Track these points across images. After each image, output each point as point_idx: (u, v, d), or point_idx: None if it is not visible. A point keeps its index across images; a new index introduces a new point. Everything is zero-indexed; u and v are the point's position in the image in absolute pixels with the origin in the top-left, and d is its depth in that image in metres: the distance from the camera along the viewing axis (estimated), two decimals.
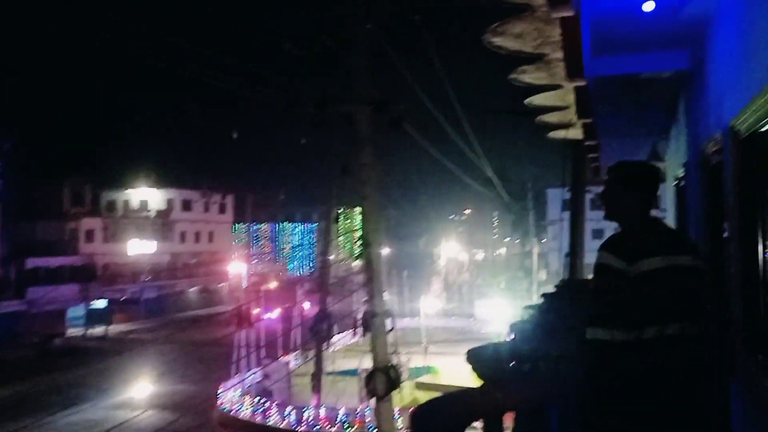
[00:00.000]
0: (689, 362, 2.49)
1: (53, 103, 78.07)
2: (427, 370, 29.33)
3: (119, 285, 50.53)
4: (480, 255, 73.57)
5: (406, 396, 26.38)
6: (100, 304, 49.15)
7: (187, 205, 59.82)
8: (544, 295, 5.01)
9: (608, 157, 9.37)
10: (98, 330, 45.82)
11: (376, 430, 11.36)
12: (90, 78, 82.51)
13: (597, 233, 50.52)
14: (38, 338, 40.09)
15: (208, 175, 62.57)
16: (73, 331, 45.27)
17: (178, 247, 57.94)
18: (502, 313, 32.37)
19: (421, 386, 28.20)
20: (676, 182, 6.92)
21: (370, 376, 10.83)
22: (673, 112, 6.93)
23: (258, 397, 24.40)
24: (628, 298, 2.48)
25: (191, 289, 58.22)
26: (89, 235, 50.28)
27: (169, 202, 58.39)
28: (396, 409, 22.67)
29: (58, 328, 43.54)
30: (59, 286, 44.66)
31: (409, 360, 28.85)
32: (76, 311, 47.01)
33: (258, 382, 25.80)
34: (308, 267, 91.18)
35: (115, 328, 47.23)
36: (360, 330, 32.59)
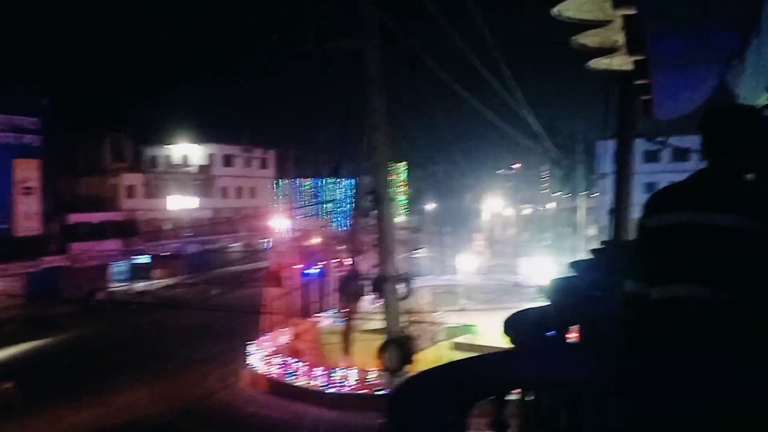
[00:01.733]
0: (692, 329, 2.23)
1: (94, 58, 78.08)
2: (466, 329, 28.09)
3: (161, 241, 50.64)
4: (527, 210, 71.40)
5: (444, 357, 25.30)
6: (142, 259, 49.50)
7: (228, 161, 59.35)
8: (593, 251, 5.15)
9: (663, 94, 7.71)
10: (140, 285, 46.17)
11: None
12: (131, 32, 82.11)
13: (649, 187, 47.99)
14: (82, 293, 40.45)
15: (250, 130, 61.91)
16: (115, 287, 45.67)
17: (220, 203, 57.70)
18: (547, 270, 30.75)
19: (459, 346, 27.02)
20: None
21: (383, 348, 9.57)
22: (753, 24, 5.34)
23: (288, 357, 23.71)
24: (635, 251, 2.46)
25: (233, 245, 58.13)
26: (130, 191, 50.33)
27: (211, 157, 57.98)
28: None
29: (101, 283, 43.90)
30: (101, 241, 45.00)
31: (445, 319, 27.71)
32: (119, 267, 47.44)
33: (289, 342, 25.09)
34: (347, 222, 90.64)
35: (157, 284, 47.53)
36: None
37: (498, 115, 16.56)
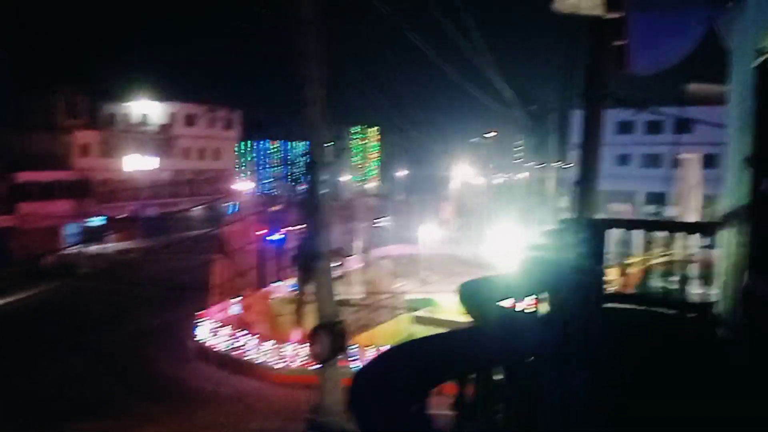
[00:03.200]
0: None
1: (49, 8, 74.39)
2: (426, 302, 27.01)
3: (117, 202, 48.59)
4: (499, 180, 70.48)
5: (402, 331, 24.24)
6: (97, 221, 47.42)
7: (190, 120, 57.06)
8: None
9: (640, 42, 6.38)
10: (94, 248, 44.18)
11: (318, 401, 8.85)
12: None
13: (622, 159, 47.23)
14: (30, 256, 38.50)
15: (216, 89, 59.68)
16: (67, 249, 43.67)
17: (181, 164, 55.58)
18: (514, 241, 29.69)
19: (419, 320, 25.98)
20: (759, 60, 4.13)
21: (312, 335, 8.27)
22: None
23: (237, 329, 22.40)
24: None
25: (195, 208, 56.23)
26: (84, 149, 47.92)
27: (172, 116, 55.65)
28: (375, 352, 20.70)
29: (52, 245, 41.89)
30: (53, 201, 42.89)
31: (406, 291, 26.60)
32: (71, 229, 45.35)
33: (239, 313, 23.75)
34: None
35: (112, 247, 45.62)
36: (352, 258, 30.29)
37: (471, 82, 16.00)
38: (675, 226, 7.05)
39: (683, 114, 23.36)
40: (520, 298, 3.48)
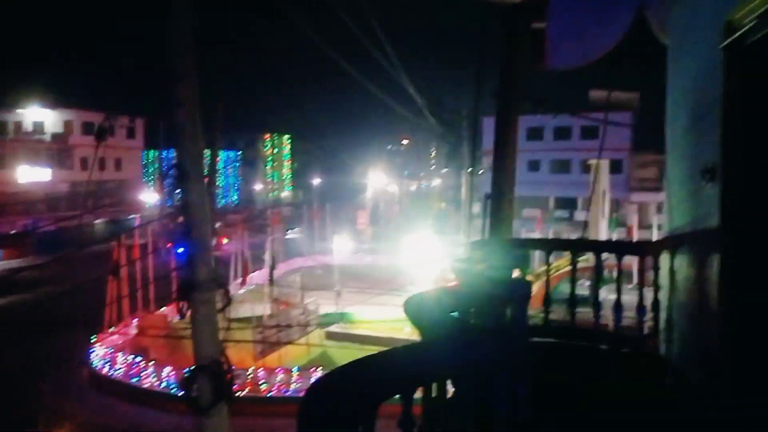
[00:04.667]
0: None
1: None
2: (341, 317, 25.99)
3: (8, 217, 44.96)
4: (413, 187, 70.37)
5: (315, 349, 23.08)
6: None
7: (88, 129, 53.68)
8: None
9: (562, 32, 5.59)
10: None
11: None
12: None
13: (532, 165, 47.84)
14: None
15: (116, 95, 56.59)
16: None
17: (79, 175, 52.12)
18: (429, 251, 29.09)
19: (332, 336, 24.95)
20: (730, 39, 3.35)
21: (189, 379, 6.97)
22: None
23: (132, 354, 20.59)
24: None
25: (96, 221, 52.96)
26: None
27: (68, 124, 52.19)
28: (296, 374, 19.38)
29: None
30: None
31: (318, 306, 25.47)
32: None
33: (134, 336, 21.90)
34: (234, 198, 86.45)
35: (1, 265, 42.06)
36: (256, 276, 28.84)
37: (382, 89, 15.52)
38: (605, 246, 6.28)
39: (596, 120, 23.44)
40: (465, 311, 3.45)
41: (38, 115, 51.42)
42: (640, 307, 4.94)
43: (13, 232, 45.05)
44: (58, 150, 50.70)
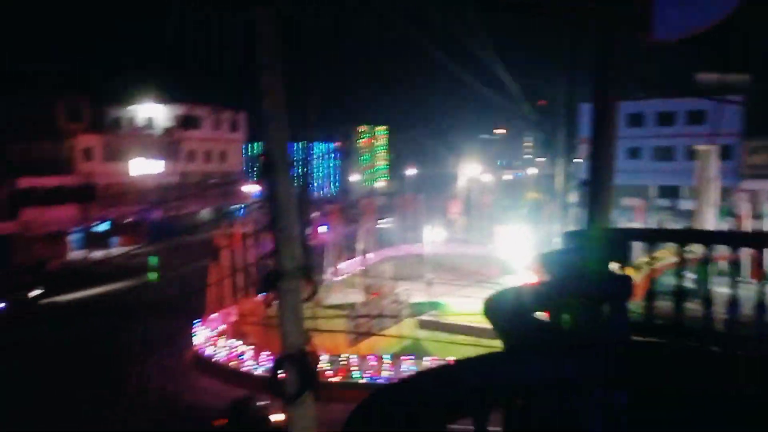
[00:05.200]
0: None
1: (45, 11, 74.01)
2: (432, 306, 26.13)
3: (123, 206, 48.07)
4: (507, 176, 69.29)
5: (407, 336, 23.34)
6: (102, 226, 46.97)
7: (195, 123, 56.51)
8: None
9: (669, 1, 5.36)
10: (99, 253, 43.75)
11: None
12: None
13: (632, 153, 45.91)
14: (34, 262, 38.04)
15: (221, 90, 58.98)
16: (72, 255, 43.28)
17: (187, 167, 54.99)
18: (524, 240, 28.71)
19: (425, 324, 25.11)
20: None
21: (276, 368, 7.27)
22: None
23: (233, 339, 21.64)
24: None
25: (202, 211, 55.74)
26: (88, 154, 47.46)
27: (176, 118, 55.07)
28: (388, 361, 19.67)
29: (56, 251, 41.48)
30: (56, 207, 42.43)
31: (409, 295, 25.71)
32: (76, 234, 44.92)
33: (235, 322, 22.97)
34: (332, 189, 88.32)
35: (117, 251, 45.12)
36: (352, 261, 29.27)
37: (477, 77, 15.76)
38: (719, 237, 5.84)
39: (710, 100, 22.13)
40: (552, 310, 3.14)
41: (149, 111, 54.50)
42: (761, 305, 4.58)
43: (128, 220, 48.15)
44: (167, 143, 53.60)
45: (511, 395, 2.31)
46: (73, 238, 44.55)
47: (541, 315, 3.04)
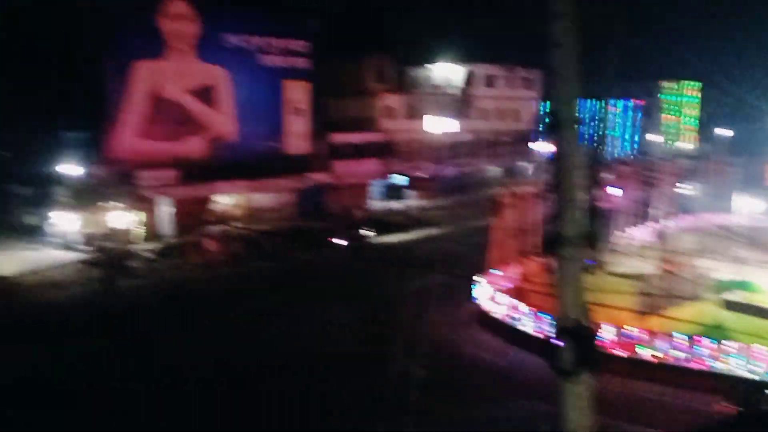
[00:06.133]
0: None
1: None
2: (740, 285, 23.01)
3: (418, 162, 50.93)
4: None
5: (706, 317, 20.96)
6: (399, 179, 50.40)
7: (490, 81, 56.98)
8: None
9: None
10: (397, 205, 47.23)
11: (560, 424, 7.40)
12: None
13: None
14: (342, 210, 42.39)
15: (515, 48, 58.58)
16: (373, 205, 47.26)
17: (480, 125, 55.93)
18: None
19: (731, 306, 22.26)
20: None
21: (556, 338, 6.88)
22: None
23: (514, 298, 21.56)
24: None
25: (493, 168, 56.53)
26: (390, 112, 50.95)
27: (471, 77, 56.06)
28: (682, 341, 17.81)
29: (360, 201, 45.66)
30: (362, 161, 46.53)
31: (711, 271, 22.96)
32: (376, 186, 48.93)
33: (517, 281, 22.82)
34: (629, 149, 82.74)
35: (413, 204, 48.17)
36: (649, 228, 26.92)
37: None
38: None
39: None
40: None
41: (445, 71, 56.31)
42: None
43: (422, 175, 50.96)
44: (461, 102, 55.01)
45: None
46: (373, 189, 48.58)
47: None
